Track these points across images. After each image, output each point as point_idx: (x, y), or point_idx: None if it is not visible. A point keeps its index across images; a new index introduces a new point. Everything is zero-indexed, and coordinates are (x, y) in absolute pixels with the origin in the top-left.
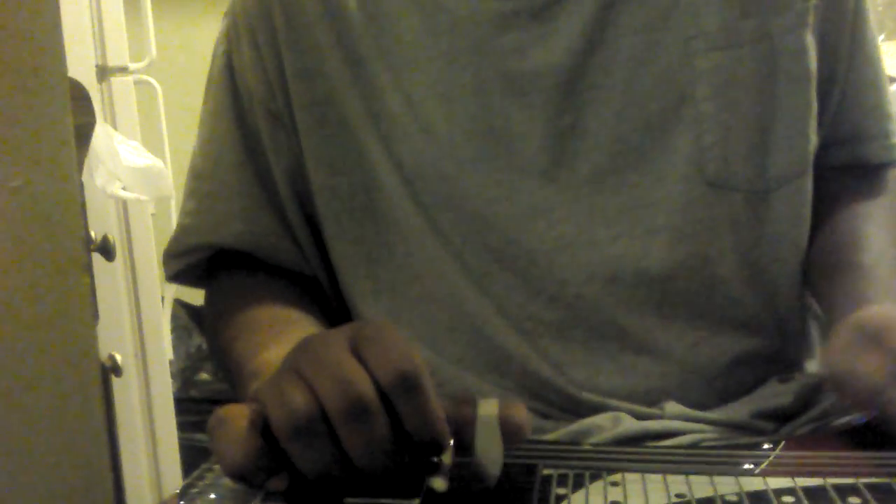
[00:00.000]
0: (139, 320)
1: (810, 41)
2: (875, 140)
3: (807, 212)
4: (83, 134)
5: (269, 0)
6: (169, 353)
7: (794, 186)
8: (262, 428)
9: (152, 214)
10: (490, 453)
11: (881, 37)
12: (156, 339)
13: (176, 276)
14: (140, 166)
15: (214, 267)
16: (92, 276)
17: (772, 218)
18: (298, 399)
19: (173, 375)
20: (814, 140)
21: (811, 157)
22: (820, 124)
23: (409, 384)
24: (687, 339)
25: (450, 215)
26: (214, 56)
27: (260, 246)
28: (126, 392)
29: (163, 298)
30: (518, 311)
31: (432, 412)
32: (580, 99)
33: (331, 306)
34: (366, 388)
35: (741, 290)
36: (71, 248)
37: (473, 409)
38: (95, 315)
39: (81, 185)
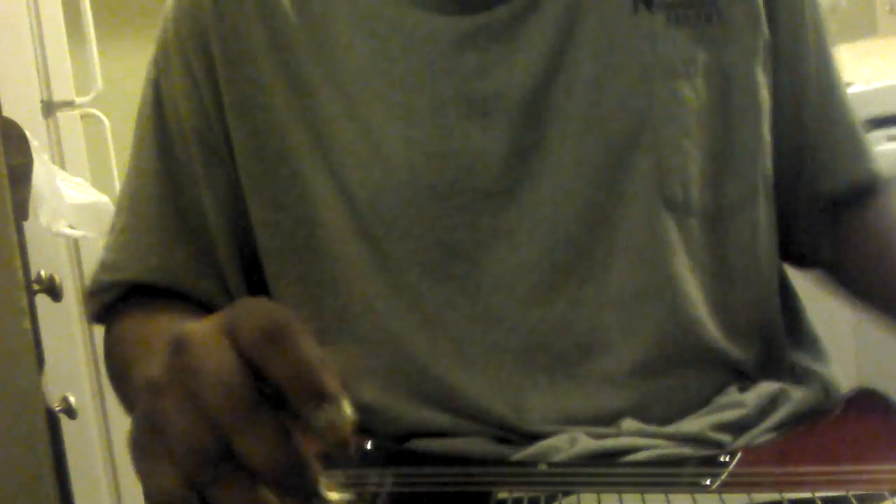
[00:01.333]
0: (95, 360)
1: (762, 77)
2: (859, 160)
3: (760, 241)
4: (21, 174)
5: (205, 28)
6: None
7: (746, 215)
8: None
9: None
10: None
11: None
12: None
13: (98, 317)
14: (85, 203)
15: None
16: (35, 319)
17: (725, 243)
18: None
19: None
20: (765, 171)
21: (762, 188)
22: (801, 159)
23: (269, 336)
24: (652, 361)
25: (407, 246)
26: (144, 84)
27: (176, 281)
28: (84, 433)
29: None
30: (478, 341)
31: (304, 355)
32: (542, 119)
33: None
34: (248, 387)
35: (704, 311)
36: (8, 294)
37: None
38: (40, 360)
39: (20, 227)
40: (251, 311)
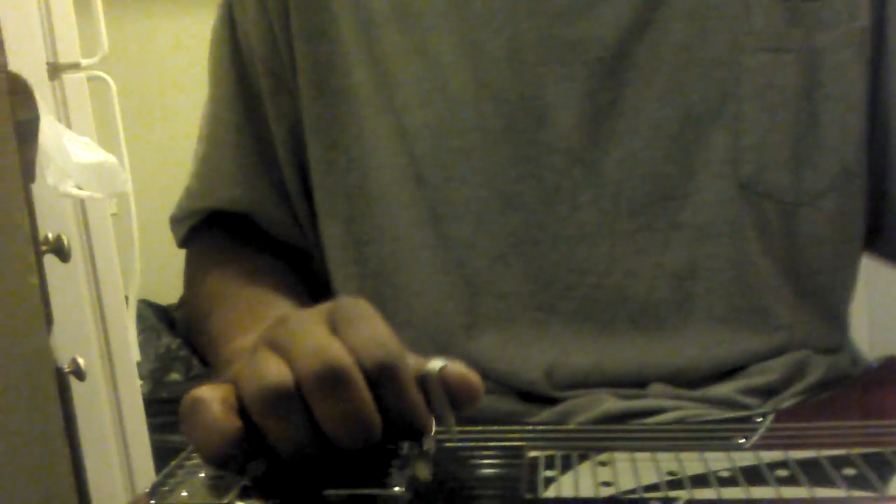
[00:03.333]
0: (104, 322)
1: (856, 64)
2: None
3: (840, 233)
4: (28, 130)
5: None
6: (136, 355)
7: (825, 205)
8: (240, 408)
9: (113, 214)
10: (435, 410)
11: None
12: (122, 340)
13: (184, 242)
14: (92, 163)
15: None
16: (43, 279)
17: (802, 231)
18: (270, 370)
19: (143, 377)
20: (850, 163)
21: (845, 180)
22: None
23: (390, 367)
24: (703, 340)
25: (464, 193)
26: (219, 8)
27: (256, 212)
28: (93, 396)
29: (127, 299)
30: (525, 303)
31: (414, 397)
32: (623, 77)
33: (321, 285)
34: (343, 357)
35: (768, 298)
36: (16, 249)
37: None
38: (49, 319)
39: (27, 184)
40: (367, 327)
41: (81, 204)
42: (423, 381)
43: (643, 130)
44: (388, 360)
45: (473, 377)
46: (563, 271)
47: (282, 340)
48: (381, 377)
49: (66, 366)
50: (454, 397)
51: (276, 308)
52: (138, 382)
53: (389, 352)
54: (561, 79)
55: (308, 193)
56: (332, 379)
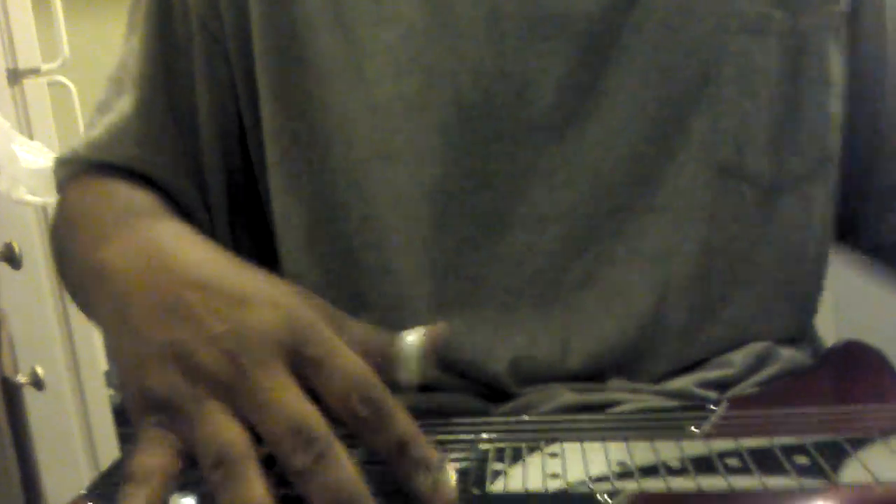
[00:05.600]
0: (69, 331)
1: (834, 49)
2: None
3: (816, 220)
4: None
5: None
6: (102, 363)
7: (804, 190)
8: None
9: None
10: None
11: None
12: (88, 349)
13: (61, 185)
14: (43, 168)
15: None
16: None
17: (777, 218)
18: (231, 438)
19: (113, 386)
20: (829, 149)
21: (824, 165)
22: (879, 141)
23: (375, 419)
24: (670, 328)
25: (435, 171)
26: None
27: (155, 175)
28: (57, 405)
29: None
30: (492, 284)
31: (405, 427)
32: (606, 55)
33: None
34: (323, 432)
35: (735, 287)
36: None
37: (397, 342)
38: None
39: None
40: (341, 368)
41: (43, 210)
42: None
43: (623, 110)
44: (373, 413)
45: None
46: (532, 254)
47: (236, 388)
48: (365, 431)
49: (24, 376)
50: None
51: (158, 219)
52: (106, 391)
53: (374, 403)
54: (542, 54)
55: (226, 173)
56: (317, 456)
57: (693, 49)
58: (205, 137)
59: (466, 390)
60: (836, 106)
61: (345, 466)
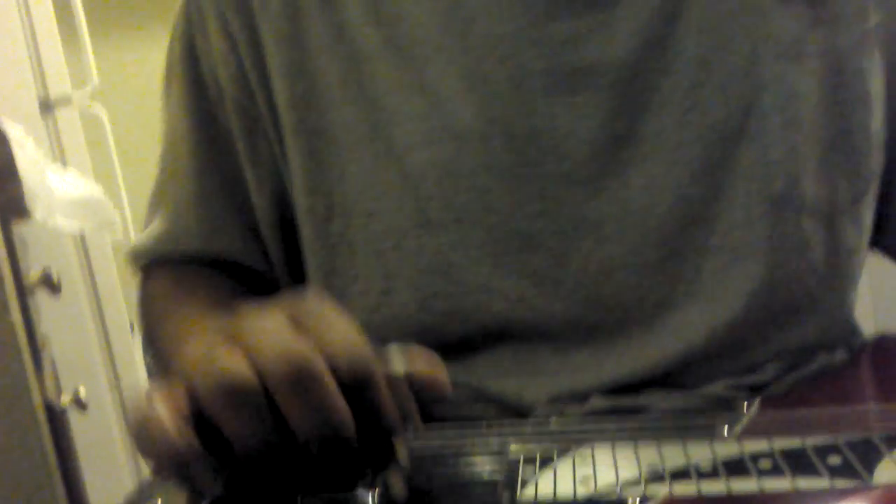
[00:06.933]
0: (110, 351)
1: (872, 64)
2: None
3: (865, 241)
4: (2, 169)
5: None
6: (144, 382)
7: (856, 213)
8: (195, 410)
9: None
10: (402, 410)
11: None
12: (129, 367)
13: (140, 273)
14: (77, 196)
15: None
16: (28, 315)
17: (842, 242)
18: (230, 363)
19: None
20: (876, 167)
21: (872, 185)
22: None
23: (362, 368)
24: (723, 356)
25: (479, 236)
26: (172, 39)
27: (222, 257)
28: (101, 425)
29: (132, 326)
30: (548, 340)
31: (386, 399)
32: (638, 101)
33: None
34: (311, 354)
35: (795, 317)
36: None
37: (384, 364)
38: (36, 354)
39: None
40: (333, 324)
41: (81, 237)
42: (390, 381)
43: (665, 154)
44: (360, 361)
45: (440, 373)
46: (587, 310)
47: (241, 334)
48: (352, 378)
49: (68, 398)
50: (421, 396)
51: (225, 308)
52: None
53: (361, 352)
54: (573, 108)
55: (284, 242)
56: (303, 374)
57: (728, 83)
58: (260, 211)
59: (501, 414)
60: (877, 122)
61: (332, 388)
